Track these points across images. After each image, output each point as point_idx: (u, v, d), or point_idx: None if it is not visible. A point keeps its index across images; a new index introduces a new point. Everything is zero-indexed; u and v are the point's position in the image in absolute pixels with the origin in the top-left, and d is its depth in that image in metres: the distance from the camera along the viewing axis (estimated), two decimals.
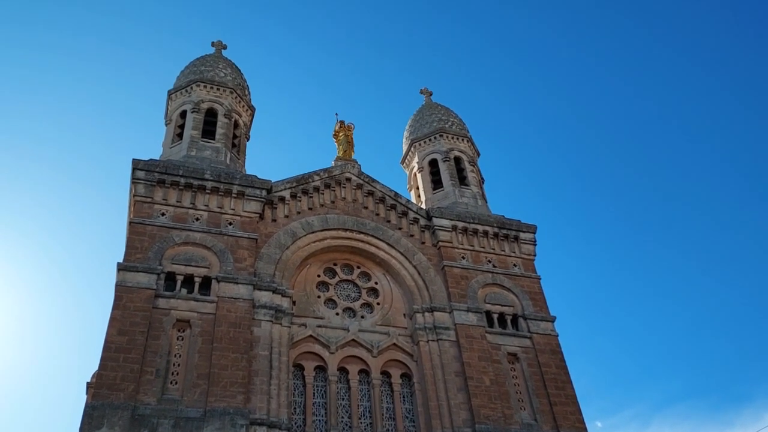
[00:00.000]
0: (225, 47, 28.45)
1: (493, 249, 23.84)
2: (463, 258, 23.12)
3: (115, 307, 17.65)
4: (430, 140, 28.06)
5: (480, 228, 23.95)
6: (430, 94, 31.43)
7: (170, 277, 19.03)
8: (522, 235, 24.38)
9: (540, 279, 23.50)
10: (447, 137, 27.95)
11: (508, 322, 21.89)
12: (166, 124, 25.18)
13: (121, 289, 18.01)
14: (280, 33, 75.54)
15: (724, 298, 62.38)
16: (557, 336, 21.83)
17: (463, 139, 28.25)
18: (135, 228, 19.67)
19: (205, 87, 25.10)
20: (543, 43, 72.63)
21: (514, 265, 23.65)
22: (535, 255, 24.23)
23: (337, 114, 27.62)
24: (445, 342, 20.49)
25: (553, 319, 22.20)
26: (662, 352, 62.79)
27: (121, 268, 18.43)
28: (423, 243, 23.37)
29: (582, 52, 72.21)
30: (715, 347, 61.47)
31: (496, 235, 24.10)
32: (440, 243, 23.21)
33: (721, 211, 65.33)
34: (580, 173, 72.20)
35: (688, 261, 65.22)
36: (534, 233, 24.61)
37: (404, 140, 29.71)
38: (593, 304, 66.23)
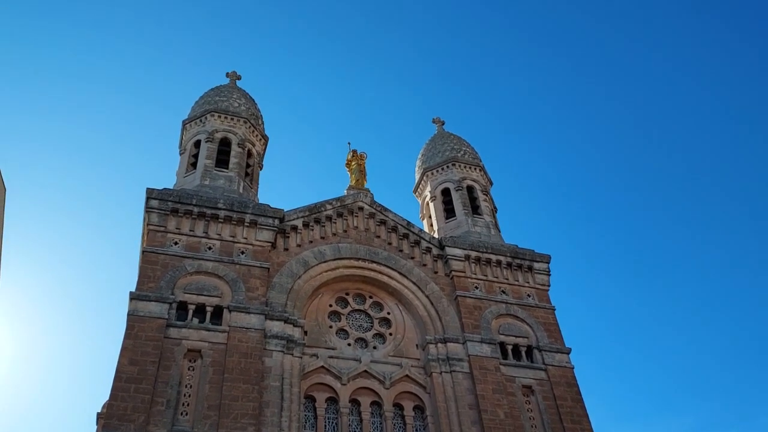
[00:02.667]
0: (239, 78, 28.84)
1: (507, 279, 23.60)
2: (476, 288, 22.90)
3: (127, 336, 17.60)
4: (442, 169, 28.08)
5: (493, 257, 23.76)
6: (443, 124, 31.55)
7: (182, 307, 18.98)
8: (536, 265, 24.14)
9: (554, 309, 23.19)
10: (459, 166, 27.95)
11: (523, 353, 21.54)
12: (181, 154, 25.42)
13: (132, 318, 17.98)
14: (293, 63, 76.65)
15: (742, 331, 61.28)
16: (573, 368, 21.44)
17: (475, 168, 28.23)
18: (148, 257, 19.71)
19: (219, 117, 25.37)
20: (556, 73, 73.09)
21: (528, 296, 23.37)
22: (549, 285, 23.96)
23: (349, 143, 27.85)
24: (459, 374, 20.17)
25: (568, 351, 21.83)
26: (678, 386, 61.53)
27: (134, 297, 18.43)
28: (436, 272, 23.20)
29: (595, 81, 72.51)
30: (732, 381, 60.15)
31: (509, 264, 23.89)
32: (453, 272, 23.02)
33: (736, 241, 64.58)
34: (593, 202, 71.89)
35: (705, 293, 64.31)
36: (548, 263, 24.37)
37: (417, 169, 29.76)
38: (608, 335, 65.28)
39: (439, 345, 20.87)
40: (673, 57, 68.20)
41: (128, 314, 18.11)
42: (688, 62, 68.30)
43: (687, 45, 67.81)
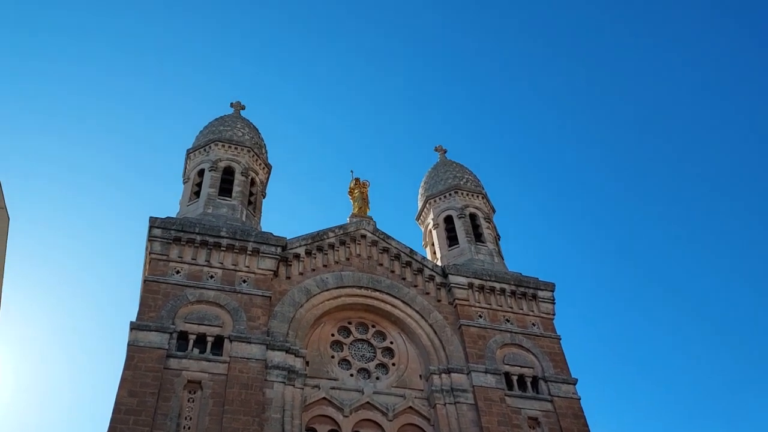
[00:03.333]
0: (243, 107, 29.09)
1: (511, 307, 23.36)
2: (480, 317, 22.66)
3: (127, 367, 17.41)
4: (445, 197, 28.06)
5: (497, 286, 23.56)
6: (445, 152, 31.64)
7: (182, 337, 18.81)
8: (540, 293, 23.91)
9: (560, 339, 22.88)
10: (462, 194, 27.93)
11: (528, 384, 21.19)
12: (184, 183, 25.50)
13: (132, 348, 17.80)
14: (296, 92, 77.39)
15: (756, 360, 60.36)
16: (579, 399, 21.05)
17: (478, 196, 28.20)
18: (149, 286, 19.62)
19: (223, 146, 25.51)
20: (558, 100, 73.54)
21: (533, 325, 23.10)
22: (554, 314, 23.69)
23: (352, 171, 27.83)
24: (463, 405, 19.81)
25: (574, 382, 21.47)
26: (689, 416, 60.43)
27: (134, 327, 18.28)
28: (439, 301, 22.99)
29: (597, 108, 72.89)
30: (744, 410, 59.08)
31: (513, 293, 23.67)
32: (456, 301, 22.81)
33: (747, 268, 64.09)
34: (597, 229, 71.61)
35: (716, 320, 63.60)
36: (552, 291, 24.14)
37: (419, 197, 29.76)
38: (616, 364, 64.38)
39: (443, 375, 20.55)
40: (675, 92, 68.64)
41: (128, 344, 17.94)
42: (689, 93, 68.72)
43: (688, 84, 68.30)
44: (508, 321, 22.88)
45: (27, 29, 64.69)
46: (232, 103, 29.23)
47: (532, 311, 23.51)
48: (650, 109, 69.27)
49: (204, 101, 68.63)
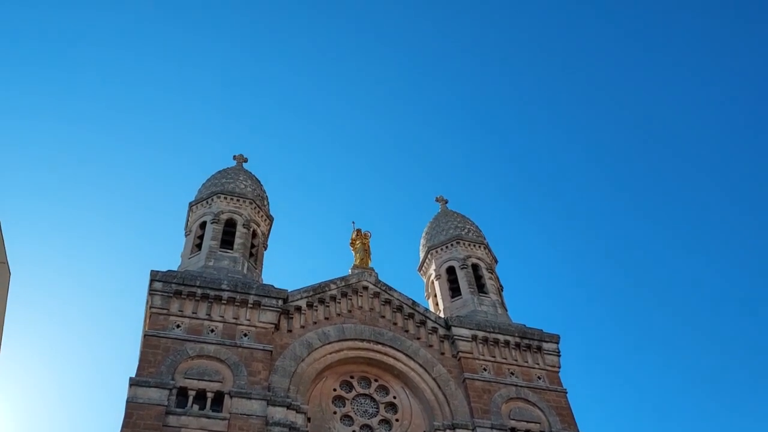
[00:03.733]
0: (246, 160, 29.43)
1: (516, 360, 23.01)
2: (485, 370, 22.29)
3: (125, 425, 17.03)
4: (446, 247, 28.04)
5: (501, 338, 23.27)
6: (446, 202, 31.79)
7: (182, 392, 18.46)
8: (545, 345, 23.60)
9: (566, 393, 22.44)
10: (464, 244, 27.92)
11: None
12: (186, 235, 25.56)
13: (131, 405, 17.46)
14: (298, 144, 78.36)
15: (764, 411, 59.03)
16: None
17: (480, 246, 28.18)
18: (149, 341, 19.39)
19: (225, 198, 25.68)
20: (557, 151, 74.34)
21: (539, 378, 22.70)
22: (559, 366, 23.31)
23: (353, 222, 27.86)
24: None
25: None
26: None
27: (133, 383, 17.98)
28: (442, 354, 22.67)
29: (599, 154, 73.60)
30: None
31: (518, 345, 23.36)
32: (460, 354, 22.49)
33: (754, 310, 63.44)
34: (601, 279, 71.22)
35: (722, 367, 62.54)
36: (557, 343, 23.83)
37: (421, 248, 29.74)
38: (623, 419, 62.92)
39: (448, 431, 20.09)
40: (676, 130, 69.55)
41: (127, 401, 17.60)
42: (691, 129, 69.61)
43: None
44: (513, 374, 22.50)
45: (27, 89, 66.07)
46: (234, 156, 29.59)
47: (538, 364, 23.14)
48: (658, 159, 69.78)
49: (207, 154, 69.47)
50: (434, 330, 23.25)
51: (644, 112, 69.97)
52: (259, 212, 26.27)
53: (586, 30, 71.29)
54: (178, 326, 20.06)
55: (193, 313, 20.52)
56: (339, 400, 20.84)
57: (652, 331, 66.62)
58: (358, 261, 25.67)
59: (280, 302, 21.57)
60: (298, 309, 22.19)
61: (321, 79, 76.39)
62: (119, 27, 67.42)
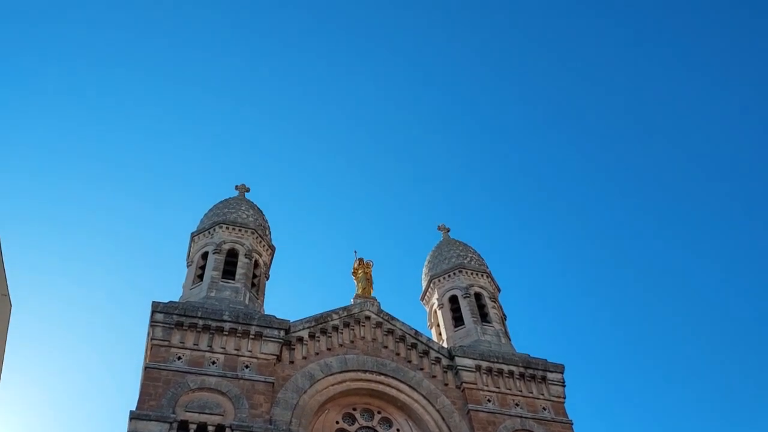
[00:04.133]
0: (248, 190, 29.52)
1: (520, 390, 22.72)
2: (489, 401, 22.00)
3: None
4: (449, 276, 27.92)
5: (505, 368, 23.01)
6: (448, 231, 31.76)
7: (183, 426, 18.20)
8: (550, 375, 23.32)
9: (572, 424, 22.10)
10: (466, 273, 27.79)
11: None
12: (188, 266, 25.50)
13: None
14: (300, 173, 78.68)
15: None
16: None
17: (482, 275, 28.06)
18: (150, 373, 19.20)
19: (227, 228, 25.68)
20: (560, 179, 74.55)
21: (544, 409, 22.39)
22: (564, 397, 23.01)
23: (356, 251, 27.77)
24: None
25: None
26: None
27: (134, 416, 17.75)
28: (446, 384, 22.41)
29: (603, 181, 73.76)
30: None
31: (522, 375, 23.09)
32: (464, 384, 22.23)
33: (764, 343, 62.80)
34: (605, 306, 70.75)
35: (732, 396, 61.68)
36: (562, 373, 23.56)
37: (423, 277, 29.62)
38: None
39: None
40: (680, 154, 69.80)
41: None
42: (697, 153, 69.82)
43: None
44: (518, 405, 22.20)
45: (32, 120, 66.70)
46: (236, 186, 29.68)
47: (542, 394, 22.85)
48: (664, 186, 69.80)
49: (209, 184, 69.67)
50: (437, 360, 23.02)
51: (654, 146, 70.35)
52: (261, 242, 26.25)
53: (592, 58, 72.10)
54: (179, 358, 19.89)
55: (194, 344, 20.36)
56: None
57: (660, 360, 65.97)
58: (360, 290, 25.55)
59: (282, 333, 21.42)
60: (300, 340, 22.01)
61: (322, 109, 77.12)
62: (120, 60, 68.33)
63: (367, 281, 26.06)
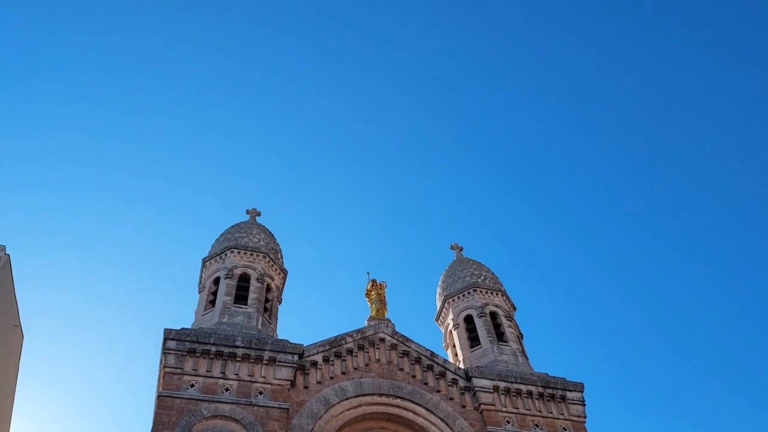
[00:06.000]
0: (259, 214, 29.47)
1: (540, 411, 22.20)
2: (508, 422, 21.50)
3: None
4: (463, 296, 27.54)
5: (524, 388, 22.52)
6: (461, 249, 31.44)
7: None
8: (569, 395, 22.78)
9: None
10: (481, 292, 27.41)
11: None
12: (200, 292, 25.36)
13: None
14: (311, 195, 78.87)
15: None
16: None
17: (497, 293, 27.66)
18: (163, 402, 18.98)
19: (239, 253, 25.57)
20: (574, 195, 74.06)
21: (564, 429, 21.83)
22: (585, 416, 22.44)
23: (368, 273, 27.51)
24: None
25: None
26: None
27: None
28: (464, 406, 21.95)
29: (613, 200, 73.18)
30: None
31: (541, 395, 22.58)
32: (482, 406, 21.76)
33: None
34: (623, 324, 69.68)
35: (755, 414, 60.20)
36: (581, 392, 23.01)
37: (437, 297, 29.27)
38: None
39: None
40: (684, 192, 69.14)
41: None
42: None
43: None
44: (538, 426, 21.68)
45: (43, 145, 67.54)
46: (248, 210, 29.65)
47: (562, 414, 22.30)
48: (679, 203, 69.11)
49: (220, 209, 69.97)
50: (454, 382, 22.59)
51: (663, 163, 69.82)
52: (273, 266, 26.10)
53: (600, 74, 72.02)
54: (192, 386, 19.66)
55: (207, 371, 20.13)
56: None
57: (682, 378, 64.66)
58: (374, 312, 25.25)
59: (296, 357, 21.14)
60: (314, 364, 21.71)
61: (333, 131, 77.50)
62: (128, 87, 69.23)
63: (381, 303, 25.76)
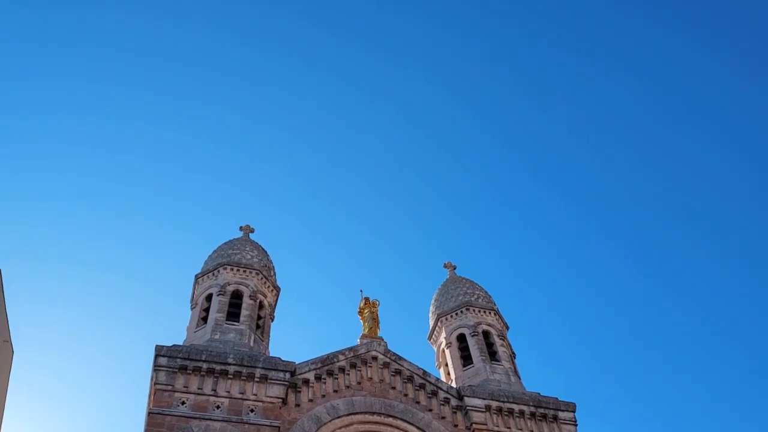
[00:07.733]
0: (252, 230, 29.50)
1: (532, 430, 22.16)
2: None
3: None
4: (456, 314, 27.58)
5: (516, 407, 22.50)
6: (454, 268, 31.52)
7: None
8: (561, 414, 22.77)
9: None
10: (474, 311, 27.46)
11: None
12: (192, 309, 25.30)
13: None
14: (305, 213, 78.96)
15: None
16: None
17: (490, 312, 27.71)
18: (153, 419, 18.86)
19: (231, 270, 25.57)
20: (567, 213, 74.43)
21: None
22: None
23: (361, 291, 27.56)
24: None
25: None
26: None
27: None
28: (456, 426, 21.89)
29: (607, 214, 73.57)
30: None
31: (533, 414, 22.55)
32: (474, 425, 21.71)
33: None
34: (616, 344, 69.68)
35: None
36: (573, 412, 23.01)
37: (430, 315, 29.28)
38: None
39: None
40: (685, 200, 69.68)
41: None
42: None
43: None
44: None
45: (35, 163, 67.50)
46: (241, 227, 29.68)
47: None
48: (675, 226, 69.50)
49: (213, 226, 69.92)
50: (446, 401, 22.55)
51: (663, 174, 70.41)
52: (265, 283, 26.10)
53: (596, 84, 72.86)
54: (183, 403, 19.55)
55: (198, 388, 20.04)
56: None
57: (674, 398, 64.56)
58: (366, 330, 25.24)
59: (288, 375, 21.08)
60: (306, 382, 21.65)
61: (326, 147, 77.78)
62: (121, 98, 69.44)
63: (374, 321, 25.76)
